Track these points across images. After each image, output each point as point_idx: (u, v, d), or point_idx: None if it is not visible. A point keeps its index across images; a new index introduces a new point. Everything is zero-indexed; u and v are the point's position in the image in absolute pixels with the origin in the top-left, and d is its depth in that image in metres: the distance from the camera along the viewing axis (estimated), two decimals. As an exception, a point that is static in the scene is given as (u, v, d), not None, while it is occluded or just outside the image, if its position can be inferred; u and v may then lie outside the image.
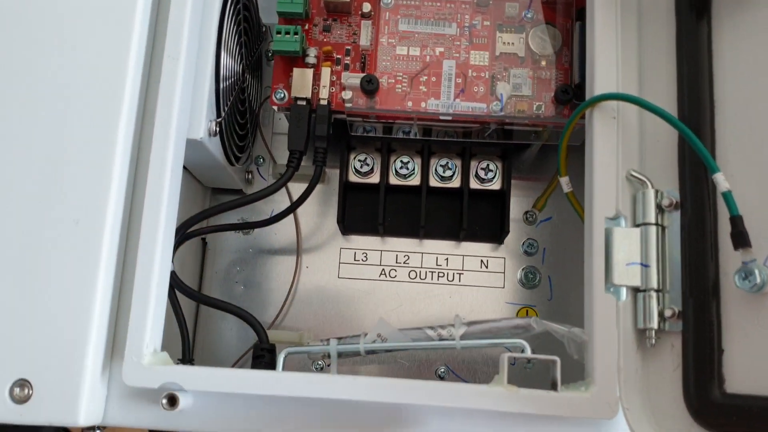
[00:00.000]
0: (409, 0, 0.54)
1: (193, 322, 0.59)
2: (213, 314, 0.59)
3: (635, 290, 0.41)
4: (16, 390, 0.39)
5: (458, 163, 0.59)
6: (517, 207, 0.60)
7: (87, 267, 0.41)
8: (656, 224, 0.41)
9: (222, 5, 0.49)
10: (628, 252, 0.41)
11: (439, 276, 0.60)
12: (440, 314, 0.59)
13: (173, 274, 0.48)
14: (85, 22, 0.43)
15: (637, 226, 0.42)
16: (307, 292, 0.60)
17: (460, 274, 0.60)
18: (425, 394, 0.40)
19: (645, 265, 0.41)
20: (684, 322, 0.40)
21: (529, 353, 0.42)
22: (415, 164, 0.58)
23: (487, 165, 0.58)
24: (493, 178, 0.58)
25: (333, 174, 0.61)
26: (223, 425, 0.42)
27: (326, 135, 0.52)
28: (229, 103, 0.51)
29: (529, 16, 0.54)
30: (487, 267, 0.60)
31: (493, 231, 0.59)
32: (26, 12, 0.44)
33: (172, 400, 0.40)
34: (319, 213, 0.62)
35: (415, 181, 0.58)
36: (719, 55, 0.41)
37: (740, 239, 0.37)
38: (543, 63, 0.53)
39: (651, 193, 0.42)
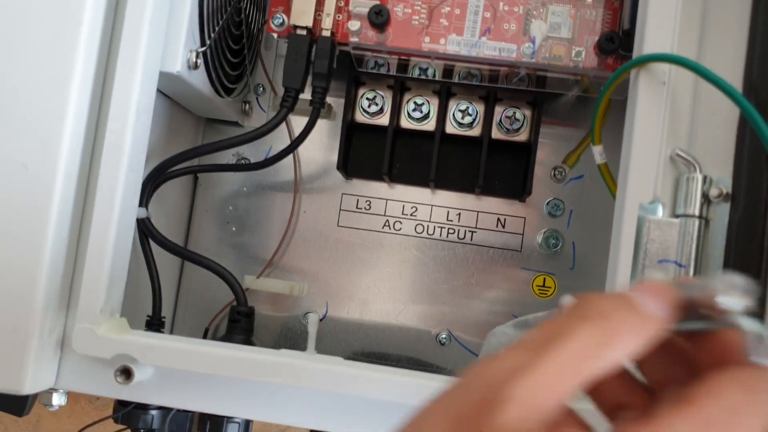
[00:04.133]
0: None
1: (180, 263, 0.55)
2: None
3: (665, 292, 0.35)
4: (-44, 350, 0.36)
5: (480, 108, 0.51)
6: (544, 160, 0.53)
7: (37, 217, 0.36)
8: (700, 216, 0.34)
9: None
10: (662, 247, 0.35)
11: (449, 232, 0.54)
12: (446, 276, 0.53)
13: (147, 222, 0.43)
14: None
15: (677, 216, 0.35)
16: (303, 239, 0.55)
17: (472, 232, 0.54)
18: (408, 387, 0.35)
19: (681, 265, 0.34)
20: (718, 337, 0.34)
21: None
22: (431, 107, 0.51)
23: (514, 113, 0.51)
24: (520, 128, 0.51)
25: (340, 105, 0.54)
26: (185, 401, 0.38)
27: (326, 73, 0.45)
28: (217, 29, 0.44)
29: (578, -60, 0.45)
30: (504, 226, 0.54)
31: (514, 188, 0.52)
32: None
33: (127, 373, 0.36)
34: (323, 149, 0.55)
35: (430, 126, 0.52)
36: (806, 14, 0.33)
37: (801, 253, 0.30)
38: (589, 0, 0.45)
39: (699, 178, 0.34)
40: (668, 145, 0.35)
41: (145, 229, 0.43)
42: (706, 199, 0.35)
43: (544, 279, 0.53)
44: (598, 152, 0.40)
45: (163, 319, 0.44)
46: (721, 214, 0.34)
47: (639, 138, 0.35)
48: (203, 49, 0.42)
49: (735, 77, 0.35)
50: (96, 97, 0.38)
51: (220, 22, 0.44)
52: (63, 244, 0.37)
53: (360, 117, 0.52)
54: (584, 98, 0.53)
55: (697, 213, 0.34)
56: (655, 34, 0.35)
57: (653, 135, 0.35)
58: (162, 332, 0.45)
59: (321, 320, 0.53)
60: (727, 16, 0.36)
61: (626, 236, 0.35)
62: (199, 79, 0.44)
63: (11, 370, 0.36)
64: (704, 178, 0.35)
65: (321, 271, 0.54)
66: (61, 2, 0.36)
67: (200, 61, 0.42)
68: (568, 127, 0.54)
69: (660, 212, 0.35)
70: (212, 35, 0.43)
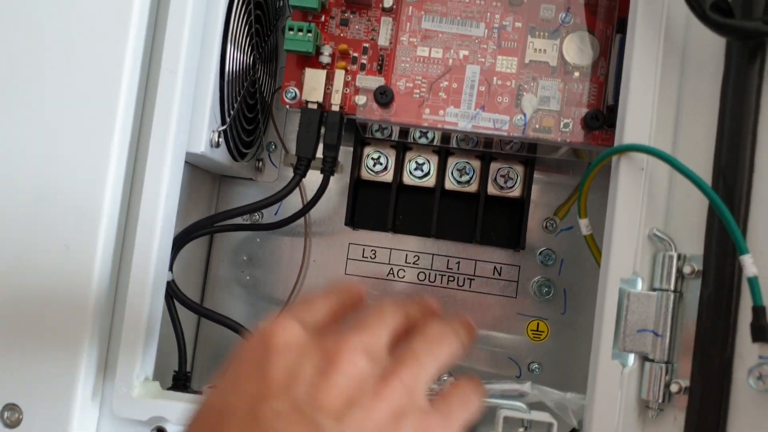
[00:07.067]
0: (435, -6, 0.50)
1: (197, 318, 0.58)
2: (219, 307, 0.59)
3: (644, 358, 0.39)
4: (7, 414, 0.40)
5: (477, 165, 0.55)
6: (537, 211, 0.57)
7: (78, 293, 0.40)
8: (674, 291, 0.38)
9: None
10: (641, 317, 0.39)
11: (449, 280, 0.58)
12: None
13: (173, 285, 0.47)
14: (78, 30, 0.40)
15: (654, 290, 0.39)
16: (313, 287, 0.59)
17: (471, 279, 0.58)
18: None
19: (657, 335, 0.38)
20: (690, 400, 0.38)
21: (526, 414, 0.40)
22: (431, 166, 0.55)
23: (507, 172, 0.55)
24: (513, 185, 0.55)
25: (348, 160, 0.58)
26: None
27: (336, 144, 0.49)
28: (235, 106, 0.48)
29: (566, 19, 0.49)
30: (500, 274, 0.58)
31: (509, 239, 0.56)
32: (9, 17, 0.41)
33: (161, 432, 0.40)
34: (331, 200, 0.59)
35: (430, 183, 0.56)
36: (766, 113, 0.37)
37: (759, 333, 0.34)
38: (576, 74, 0.49)
39: (674, 256, 0.39)
40: (646, 224, 0.39)
41: (171, 292, 0.47)
42: (680, 274, 0.39)
43: (538, 324, 0.57)
44: (584, 225, 0.44)
45: (188, 374, 0.48)
46: (694, 289, 0.38)
47: (620, 218, 0.39)
48: (224, 127, 0.46)
49: (706, 162, 0.39)
50: (128, 180, 0.42)
51: (238, 99, 0.48)
52: (102, 316, 0.41)
53: (366, 174, 0.56)
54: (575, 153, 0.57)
55: (672, 287, 0.38)
56: (633, 125, 0.39)
57: (632, 216, 0.39)
58: (188, 386, 0.48)
59: (331, 364, 0.57)
60: (698, 108, 0.39)
61: (609, 307, 0.39)
62: (219, 154, 0.47)
63: (57, 429, 0.40)
64: (679, 256, 0.39)
65: (330, 317, 0.58)
66: (98, 95, 0.40)
67: (221, 139, 0.45)
68: (560, 174, 0.58)
69: (639, 286, 0.39)
70: (231, 112, 0.47)
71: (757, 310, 0.34)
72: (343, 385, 0.27)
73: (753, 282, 0.34)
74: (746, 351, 0.36)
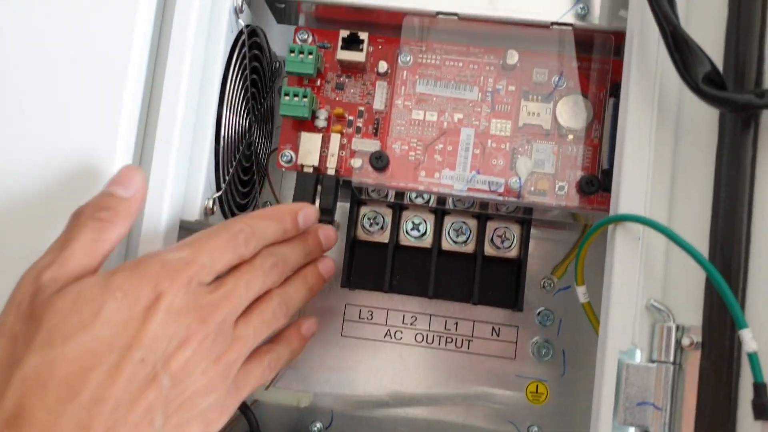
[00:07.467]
0: (430, 59, 0.50)
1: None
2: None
3: (644, 431, 0.38)
4: None
5: (473, 225, 0.55)
6: (534, 270, 0.57)
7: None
8: (673, 363, 0.38)
9: (227, 62, 0.46)
10: (641, 390, 0.38)
11: (447, 341, 0.57)
12: (445, 383, 0.56)
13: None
14: (71, 98, 0.41)
15: (653, 361, 0.38)
16: (309, 349, 0.58)
17: (469, 340, 0.57)
18: None
19: (658, 408, 0.38)
20: (693, 476, 0.37)
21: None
22: (428, 226, 0.55)
23: (504, 232, 0.55)
24: (510, 246, 0.55)
25: (344, 215, 0.58)
26: None
27: (331, 207, 0.49)
28: (231, 171, 0.48)
29: (560, 83, 0.49)
30: (498, 335, 0.57)
31: (507, 298, 0.56)
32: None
33: None
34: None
35: (427, 243, 0.55)
36: (763, 182, 0.37)
37: (761, 411, 0.33)
38: (570, 137, 0.49)
39: (672, 328, 0.38)
40: (644, 295, 0.39)
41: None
42: (679, 346, 0.38)
43: (537, 386, 0.56)
44: (581, 292, 0.43)
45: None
46: (693, 360, 0.38)
47: (617, 289, 0.39)
48: (219, 194, 0.46)
49: (702, 232, 0.39)
50: (122, 251, 0.41)
51: (234, 163, 0.48)
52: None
53: (362, 234, 0.56)
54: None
55: (671, 359, 0.38)
56: (628, 194, 0.39)
57: (630, 286, 0.39)
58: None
59: (327, 428, 0.56)
60: (693, 177, 0.39)
61: (608, 379, 0.39)
62: (215, 219, 0.47)
63: None
64: (677, 327, 0.38)
65: (326, 379, 0.57)
66: (93, 165, 0.40)
67: (216, 207, 0.45)
68: (558, 230, 0.58)
69: (638, 357, 0.39)
70: (227, 178, 0.47)
71: (758, 387, 0.34)
72: (188, 357, 0.34)
73: (753, 358, 0.34)
74: (749, 428, 0.35)
